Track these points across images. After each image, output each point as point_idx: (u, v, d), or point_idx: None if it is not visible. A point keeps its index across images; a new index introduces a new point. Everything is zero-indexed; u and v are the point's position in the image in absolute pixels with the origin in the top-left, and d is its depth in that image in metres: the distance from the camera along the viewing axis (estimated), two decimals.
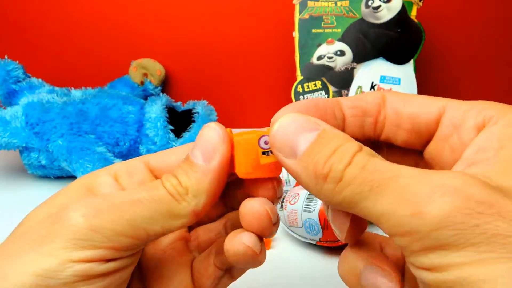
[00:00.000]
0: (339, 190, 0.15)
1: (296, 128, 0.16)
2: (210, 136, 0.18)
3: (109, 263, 0.17)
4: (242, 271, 0.21)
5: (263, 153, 0.18)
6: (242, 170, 0.18)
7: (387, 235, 0.15)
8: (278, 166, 0.18)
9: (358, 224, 0.18)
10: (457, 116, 0.17)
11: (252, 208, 0.18)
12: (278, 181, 0.19)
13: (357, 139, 0.17)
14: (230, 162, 0.18)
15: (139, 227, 0.17)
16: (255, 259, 0.18)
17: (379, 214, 0.14)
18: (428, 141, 0.18)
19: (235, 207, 0.21)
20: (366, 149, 0.15)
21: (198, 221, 0.19)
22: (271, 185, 0.19)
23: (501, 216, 0.13)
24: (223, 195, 0.21)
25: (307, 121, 0.16)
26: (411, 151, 0.19)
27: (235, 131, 0.19)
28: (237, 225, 0.20)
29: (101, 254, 0.16)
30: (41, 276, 0.16)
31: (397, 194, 0.13)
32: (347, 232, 0.18)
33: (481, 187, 0.13)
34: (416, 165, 0.19)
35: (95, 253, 0.16)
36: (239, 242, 0.18)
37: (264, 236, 0.19)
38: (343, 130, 0.19)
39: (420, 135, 0.18)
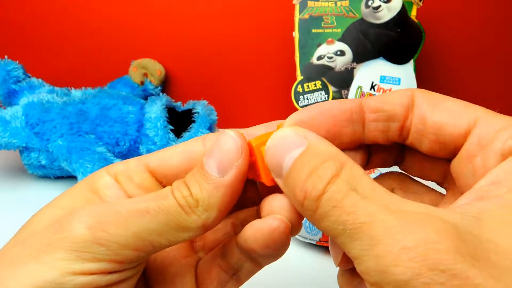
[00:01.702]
0: (317, 218, 0.14)
1: (284, 145, 0.15)
2: (227, 146, 0.16)
3: (111, 275, 0.16)
4: (251, 273, 0.20)
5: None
6: (270, 178, 0.17)
7: None
8: None
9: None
10: (486, 134, 0.15)
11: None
12: None
13: (379, 144, 0.17)
14: (249, 170, 0.17)
15: (145, 239, 0.16)
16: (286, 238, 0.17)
17: (352, 255, 0.14)
18: (454, 154, 0.17)
19: (245, 205, 0.20)
20: (347, 171, 0.14)
21: None
22: None
23: None
24: None
25: (296, 136, 0.15)
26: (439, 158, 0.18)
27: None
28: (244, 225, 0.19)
29: (104, 267, 0.16)
30: None
31: (368, 244, 0.13)
32: (341, 259, 0.17)
33: (453, 252, 0.12)
34: (444, 174, 0.18)
35: (98, 265, 0.15)
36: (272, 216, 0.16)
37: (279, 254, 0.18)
38: (362, 135, 0.18)
39: (445, 148, 0.17)
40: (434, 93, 0.17)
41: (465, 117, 0.16)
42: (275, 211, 0.16)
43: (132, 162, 0.19)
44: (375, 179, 0.19)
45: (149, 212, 0.16)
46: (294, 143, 0.15)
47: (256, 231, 0.17)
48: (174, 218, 0.16)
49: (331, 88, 0.53)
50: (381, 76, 0.52)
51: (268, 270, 0.32)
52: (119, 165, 0.19)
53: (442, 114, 0.16)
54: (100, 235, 0.15)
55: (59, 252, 0.15)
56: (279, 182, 0.16)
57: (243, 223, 0.20)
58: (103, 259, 0.16)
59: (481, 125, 0.15)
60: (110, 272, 0.16)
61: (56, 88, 0.53)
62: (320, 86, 0.53)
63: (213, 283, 0.19)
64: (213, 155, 0.17)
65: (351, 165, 0.15)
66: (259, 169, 0.17)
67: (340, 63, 0.52)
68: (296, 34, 0.53)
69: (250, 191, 0.19)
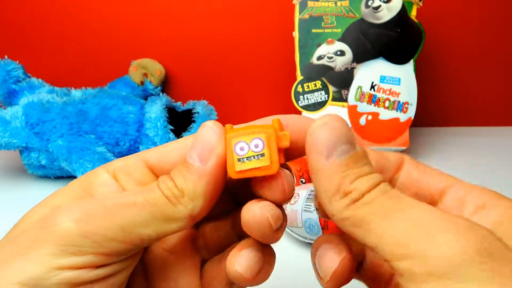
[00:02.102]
0: (353, 207, 0.15)
1: (340, 133, 0.16)
2: (206, 136, 0.17)
3: (98, 269, 0.16)
4: None
5: (239, 159, 0.17)
6: (231, 170, 0.17)
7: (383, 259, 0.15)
8: (267, 168, 0.17)
9: (347, 269, 0.17)
10: (460, 194, 0.17)
11: (253, 213, 0.17)
12: (285, 179, 0.17)
13: None
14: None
15: (132, 231, 0.16)
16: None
17: (389, 235, 0.14)
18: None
19: (244, 202, 0.20)
20: (387, 183, 0.16)
21: (206, 216, 0.18)
22: (275, 185, 0.17)
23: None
24: (230, 190, 0.20)
25: (348, 134, 0.17)
26: None
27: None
28: None
29: (90, 260, 0.16)
30: (27, 285, 0.15)
31: (412, 222, 0.14)
32: (332, 275, 0.17)
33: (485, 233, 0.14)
34: None
35: (84, 259, 0.15)
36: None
37: (266, 242, 0.18)
38: None
39: (423, 200, 0.18)
40: (420, 162, 0.19)
41: (443, 182, 0.17)
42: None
43: (131, 158, 0.19)
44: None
45: (136, 205, 0.16)
46: (347, 138, 0.16)
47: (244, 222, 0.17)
48: (161, 209, 0.16)
49: (331, 88, 0.53)
50: (381, 76, 0.52)
51: None
52: (118, 162, 0.19)
53: (424, 176, 0.18)
54: (87, 228, 0.15)
55: (45, 247, 0.15)
56: (319, 159, 0.16)
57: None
58: (90, 252, 0.15)
59: (456, 187, 0.17)
60: (97, 266, 0.16)
61: (56, 88, 0.53)
62: (320, 86, 0.53)
63: (220, 284, 0.19)
64: (194, 146, 0.17)
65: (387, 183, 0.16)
66: (226, 160, 0.17)
67: (340, 63, 0.52)
68: (296, 34, 0.53)
69: (248, 188, 0.19)
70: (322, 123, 0.16)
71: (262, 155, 0.17)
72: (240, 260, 0.17)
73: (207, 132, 0.17)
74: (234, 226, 0.21)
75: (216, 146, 0.17)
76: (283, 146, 0.17)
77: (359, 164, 0.16)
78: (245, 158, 0.17)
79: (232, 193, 0.21)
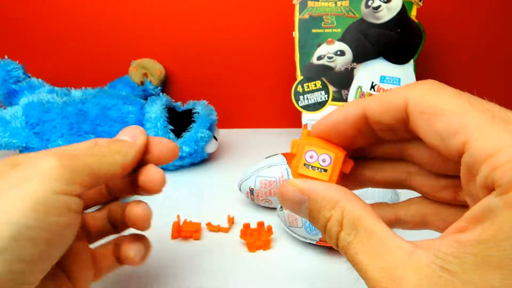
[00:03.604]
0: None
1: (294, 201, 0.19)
2: (135, 127, 0.25)
3: (79, 201, 0.20)
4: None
5: (305, 164, 0.20)
6: (295, 170, 0.20)
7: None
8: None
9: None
10: (473, 165, 0.15)
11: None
12: None
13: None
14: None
15: (94, 169, 0.21)
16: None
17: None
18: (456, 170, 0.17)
19: (118, 196, 0.28)
20: (348, 218, 0.17)
21: (85, 206, 0.25)
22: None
23: None
24: (110, 186, 0.27)
25: (299, 194, 0.19)
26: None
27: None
28: (116, 217, 0.27)
29: (74, 188, 0.20)
30: (36, 210, 0.18)
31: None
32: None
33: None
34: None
35: (71, 187, 0.20)
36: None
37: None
38: (375, 135, 0.20)
39: (446, 164, 0.18)
40: (426, 99, 0.17)
41: (455, 143, 0.15)
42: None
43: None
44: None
45: (94, 155, 0.22)
46: (300, 199, 0.19)
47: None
48: (108, 156, 0.23)
49: (331, 88, 0.53)
50: (381, 76, 0.52)
51: (268, 270, 0.32)
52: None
53: (434, 138, 0.16)
54: (66, 162, 0.20)
55: (39, 180, 0.19)
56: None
57: (114, 216, 0.27)
58: (72, 181, 0.20)
59: (469, 152, 0.15)
60: (78, 196, 0.20)
61: (56, 88, 0.53)
62: (320, 86, 0.53)
63: (109, 262, 0.26)
64: (125, 133, 0.25)
65: (349, 215, 0.17)
66: (292, 161, 0.20)
67: (340, 63, 0.52)
68: (296, 34, 0.53)
69: (124, 184, 0.27)
70: (281, 201, 0.20)
71: (325, 170, 0.20)
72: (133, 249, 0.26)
73: (134, 127, 0.25)
74: (108, 215, 0.27)
75: (143, 133, 0.25)
76: (344, 170, 0.20)
77: (318, 211, 0.18)
78: (310, 166, 0.20)
79: (111, 188, 0.27)
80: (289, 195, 0.19)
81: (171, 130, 0.51)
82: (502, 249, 0.13)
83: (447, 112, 0.15)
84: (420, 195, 0.21)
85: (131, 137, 0.25)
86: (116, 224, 0.27)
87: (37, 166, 0.19)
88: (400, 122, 0.17)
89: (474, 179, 0.15)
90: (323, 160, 0.20)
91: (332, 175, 0.19)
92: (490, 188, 0.14)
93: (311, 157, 0.20)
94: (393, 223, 0.21)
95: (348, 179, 0.21)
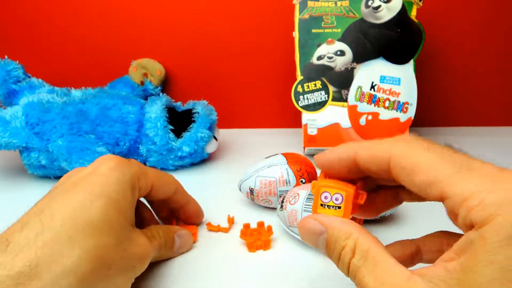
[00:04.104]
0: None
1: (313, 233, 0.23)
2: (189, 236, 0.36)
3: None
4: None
5: (321, 205, 0.23)
6: (314, 210, 0.23)
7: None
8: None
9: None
10: (453, 208, 0.18)
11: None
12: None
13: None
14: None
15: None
16: None
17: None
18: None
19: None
20: (360, 249, 0.20)
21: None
22: None
23: None
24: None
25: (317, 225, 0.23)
26: None
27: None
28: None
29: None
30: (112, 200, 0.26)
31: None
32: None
33: None
34: None
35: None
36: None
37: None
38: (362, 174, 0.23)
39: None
40: (406, 156, 0.20)
41: (433, 193, 0.19)
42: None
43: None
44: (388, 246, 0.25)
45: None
46: (320, 230, 0.22)
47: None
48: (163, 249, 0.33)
49: (331, 88, 0.53)
50: (381, 76, 0.52)
51: (268, 270, 0.32)
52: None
53: (414, 188, 0.20)
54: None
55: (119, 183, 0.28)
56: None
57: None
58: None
59: (448, 199, 0.18)
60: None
61: (56, 88, 0.53)
62: (320, 86, 0.53)
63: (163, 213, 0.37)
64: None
65: (361, 246, 0.20)
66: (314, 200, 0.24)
67: (340, 63, 0.52)
68: (296, 34, 0.53)
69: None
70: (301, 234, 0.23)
71: (339, 207, 0.23)
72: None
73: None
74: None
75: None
76: (358, 202, 0.23)
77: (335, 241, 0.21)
78: (326, 206, 0.23)
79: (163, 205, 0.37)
80: (310, 227, 0.22)
81: (171, 130, 0.51)
82: (478, 274, 0.16)
83: (423, 168, 0.19)
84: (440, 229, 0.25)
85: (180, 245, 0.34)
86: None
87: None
88: (385, 172, 0.21)
89: (457, 219, 0.18)
90: (336, 199, 0.23)
91: (345, 212, 0.23)
92: (469, 226, 0.18)
93: (325, 197, 0.23)
94: (414, 255, 0.25)
95: (369, 206, 0.25)
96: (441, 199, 0.19)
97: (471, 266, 0.17)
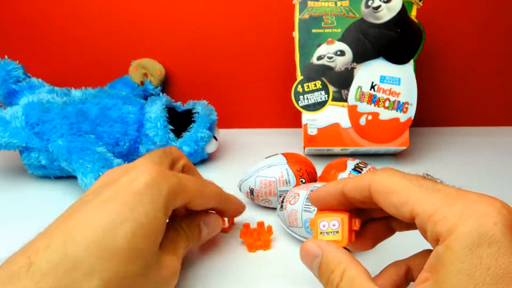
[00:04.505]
0: None
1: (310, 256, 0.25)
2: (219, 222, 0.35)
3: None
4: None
5: (321, 233, 0.25)
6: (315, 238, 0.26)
7: None
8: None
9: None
10: (422, 226, 0.21)
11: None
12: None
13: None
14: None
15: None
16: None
17: None
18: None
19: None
20: (347, 278, 0.22)
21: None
22: None
23: None
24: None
25: (315, 248, 0.25)
26: None
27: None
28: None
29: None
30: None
31: None
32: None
33: None
34: None
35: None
36: None
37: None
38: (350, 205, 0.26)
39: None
40: (383, 182, 0.23)
41: (406, 211, 0.21)
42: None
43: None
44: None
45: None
46: (316, 252, 0.24)
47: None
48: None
49: (331, 88, 0.53)
50: (381, 76, 0.52)
51: (268, 270, 0.32)
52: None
53: (390, 209, 0.22)
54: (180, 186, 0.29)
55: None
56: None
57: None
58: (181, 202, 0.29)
59: (417, 216, 0.21)
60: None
61: (56, 88, 0.53)
62: (320, 86, 0.53)
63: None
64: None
65: (349, 272, 0.22)
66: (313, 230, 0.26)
67: (340, 63, 0.52)
68: (296, 34, 0.53)
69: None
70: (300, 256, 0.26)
71: (337, 232, 0.25)
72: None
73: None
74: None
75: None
76: (354, 228, 0.25)
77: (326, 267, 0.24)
78: (325, 233, 0.25)
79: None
80: (308, 248, 0.24)
81: (171, 130, 0.51)
82: (450, 284, 0.18)
83: (397, 190, 0.22)
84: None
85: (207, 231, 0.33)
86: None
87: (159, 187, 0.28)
88: (368, 198, 0.24)
89: (426, 234, 0.20)
90: (333, 225, 0.25)
91: (343, 235, 0.25)
92: (435, 240, 0.19)
93: (323, 225, 0.25)
94: (407, 275, 0.26)
95: (365, 238, 0.27)
96: (412, 218, 0.21)
97: (443, 279, 0.18)
